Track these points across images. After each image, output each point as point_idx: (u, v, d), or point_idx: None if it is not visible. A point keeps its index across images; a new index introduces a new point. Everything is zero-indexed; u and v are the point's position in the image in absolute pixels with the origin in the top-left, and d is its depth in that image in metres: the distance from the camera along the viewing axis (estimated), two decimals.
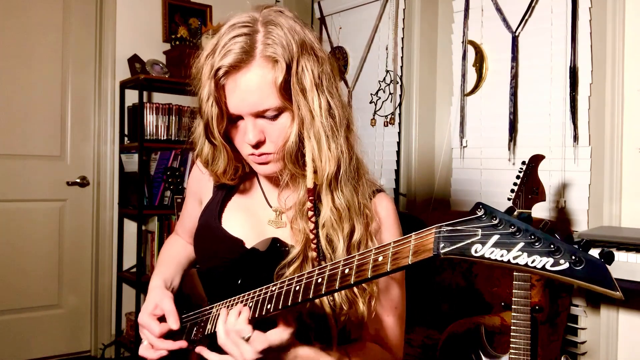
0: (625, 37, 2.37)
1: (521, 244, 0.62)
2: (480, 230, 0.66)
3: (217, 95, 1.06)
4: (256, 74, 1.04)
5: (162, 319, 1.17)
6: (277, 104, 1.06)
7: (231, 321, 0.99)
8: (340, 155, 1.10)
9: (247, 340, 0.97)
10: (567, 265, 0.58)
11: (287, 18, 1.09)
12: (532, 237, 0.62)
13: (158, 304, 1.17)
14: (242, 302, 1.03)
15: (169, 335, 1.16)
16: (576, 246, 0.60)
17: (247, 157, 1.16)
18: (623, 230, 2.28)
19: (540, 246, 0.61)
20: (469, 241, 0.66)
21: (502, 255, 0.62)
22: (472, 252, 0.65)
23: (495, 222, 0.65)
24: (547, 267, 0.59)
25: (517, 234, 0.63)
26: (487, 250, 0.63)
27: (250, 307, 1.00)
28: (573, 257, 0.58)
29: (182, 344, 1.13)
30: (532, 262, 0.60)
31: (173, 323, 1.14)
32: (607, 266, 0.57)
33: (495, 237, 0.64)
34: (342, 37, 3.83)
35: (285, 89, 1.05)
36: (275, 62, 1.04)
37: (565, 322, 2.45)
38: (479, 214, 0.67)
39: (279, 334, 0.98)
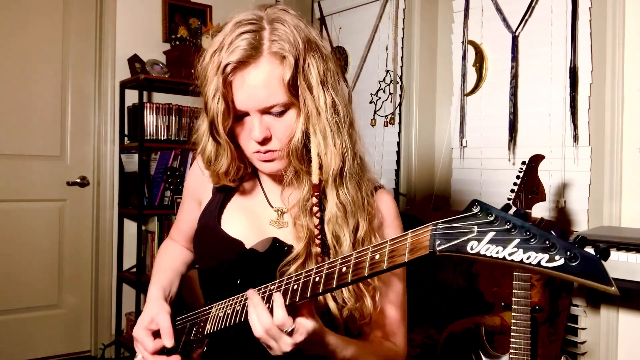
0: (625, 37, 2.36)
1: (517, 241, 0.62)
2: (476, 227, 0.65)
3: (224, 91, 1.06)
4: (264, 69, 1.05)
5: (158, 332, 1.16)
6: (284, 100, 1.07)
7: (266, 316, 0.94)
8: (345, 151, 1.11)
9: (290, 333, 0.93)
10: (562, 261, 0.58)
11: (291, 16, 1.11)
12: (528, 233, 0.61)
13: (154, 318, 1.17)
14: (239, 301, 1.03)
15: (164, 349, 1.15)
16: (572, 242, 0.60)
17: (251, 156, 1.15)
18: (623, 230, 2.28)
19: (535, 242, 0.61)
20: (464, 238, 0.65)
21: (497, 252, 0.62)
22: (468, 249, 0.65)
23: (491, 218, 0.65)
24: (543, 263, 0.59)
25: (513, 230, 0.63)
26: (483, 247, 0.63)
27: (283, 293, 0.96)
28: (568, 253, 0.58)
29: (176, 358, 1.13)
30: (528, 258, 0.60)
31: (167, 341, 1.13)
32: (603, 262, 0.57)
33: (491, 234, 0.64)
34: (342, 37, 3.83)
35: (292, 85, 1.06)
36: (283, 58, 1.05)
37: (565, 322, 2.44)
38: (475, 210, 0.66)
39: (312, 322, 0.96)
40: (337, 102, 1.11)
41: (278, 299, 0.94)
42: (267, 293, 0.98)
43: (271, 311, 0.94)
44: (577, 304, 2.52)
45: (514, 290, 1.85)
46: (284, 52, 1.05)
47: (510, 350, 1.84)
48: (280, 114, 1.09)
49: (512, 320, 1.84)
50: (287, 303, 0.93)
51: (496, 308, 2.42)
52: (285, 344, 0.94)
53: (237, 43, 1.04)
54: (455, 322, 2.20)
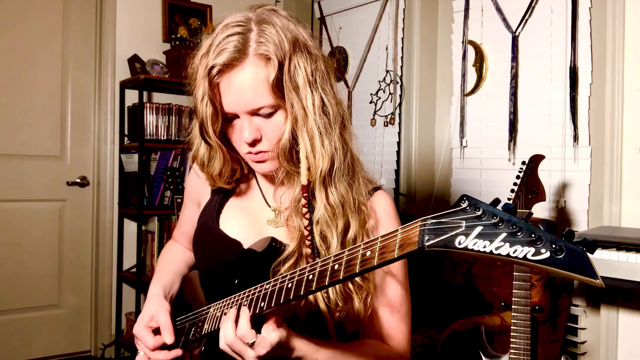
0: (625, 37, 2.36)
1: (503, 235, 0.62)
2: (464, 222, 0.65)
3: (211, 94, 1.06)
4: (249, 71, 1.05)
5: (158, 330, 1.17)
6: (270, 102, 1.06)
7: (230, 329, 0.96)
8: (334, 152, 1.10)
9: (252, 345, 0.94)
10: (548, 254, 0.58)
11: (280, 17, 1.10)
12: (514, 227, 0.61)
13: (154, 316, 1.17)
14: (236, 300, 1.03)
15: (164, 346, 1.15)
16: (558, 235, 0.59)
17: (245, 156, 1.16)
18: (623, 230, 2.27)
19: (522, 236, 0.61)
20: (452, 233, 0.65)
21: (484, 246, 0.62)
22: (456, 244, 0.65)
23: (479, 213, 0.65)
24: (529, 256, 0.59)
25: (500, 224, 0.63)
26: (471, 241, 0.63)
27: (249, 307, 0.99)
28: (554, 246, 0.58)
29: (177, 352, 1.14)
30: (514, 252, 0.60)
31: (167, 337, 1.14)
32: (589, 254, 0.56)
33: (478, 229, 0.64)
34: (342, 37, 3.83)
35: (278, 87, 1.06)
36: (268, 59, 1.04)
37: (565, 322, 2.44)
38: (463, 205, 0.66)
39: (276, 333, 0.97)
40: (326, 103, 1.10)
41: (244, 312, 0.97)
42: (262, 292, 0.97)
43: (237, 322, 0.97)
44: (577, 304, 2.51)
45: (514, 290, 1.85)
46: (268, 54, 1.04)
47: (510, 350, 1.83)
48: (269, 115, 1.09)
49: (512, 320, 1.84)
50: (257, 312, 0.95)
51: (496, 308, 2.42)
52: (250, 357, 0.95)
53: (223, 45, 1.04)
54: (455, 322, 2.20)
